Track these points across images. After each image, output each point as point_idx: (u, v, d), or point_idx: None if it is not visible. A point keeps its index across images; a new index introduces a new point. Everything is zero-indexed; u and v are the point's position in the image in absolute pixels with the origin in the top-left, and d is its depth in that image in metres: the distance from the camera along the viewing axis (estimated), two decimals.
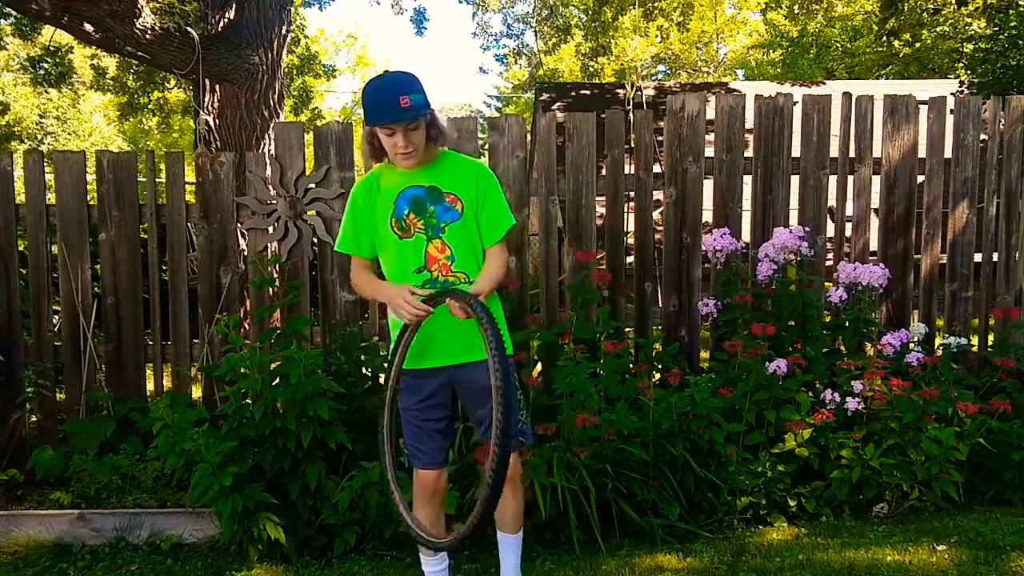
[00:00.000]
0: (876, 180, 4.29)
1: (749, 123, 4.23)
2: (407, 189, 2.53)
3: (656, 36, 23.27)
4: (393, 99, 2.35)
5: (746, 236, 4.19)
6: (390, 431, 2.62)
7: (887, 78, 18.01)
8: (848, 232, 4.38)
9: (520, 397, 2.70)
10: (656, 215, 4.37)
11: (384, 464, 2.62)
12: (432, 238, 2.52)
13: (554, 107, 13.51)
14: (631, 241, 4.45)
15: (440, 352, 2.53)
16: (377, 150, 2.52)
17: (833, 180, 4.26)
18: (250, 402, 3.40)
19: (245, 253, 4.54)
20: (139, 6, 6.65)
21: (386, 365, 2.63)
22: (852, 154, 4.27)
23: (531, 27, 26.78)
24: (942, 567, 2.89)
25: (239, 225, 4.24)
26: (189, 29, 7.09)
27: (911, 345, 3.99)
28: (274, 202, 4.16)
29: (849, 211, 4.31)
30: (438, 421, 2.60)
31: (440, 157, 2.57)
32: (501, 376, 2.15)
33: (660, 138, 4.57)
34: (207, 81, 7.14)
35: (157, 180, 4.30)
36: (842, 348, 3.99)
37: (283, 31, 7.64)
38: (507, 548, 2.75)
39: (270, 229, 4.19)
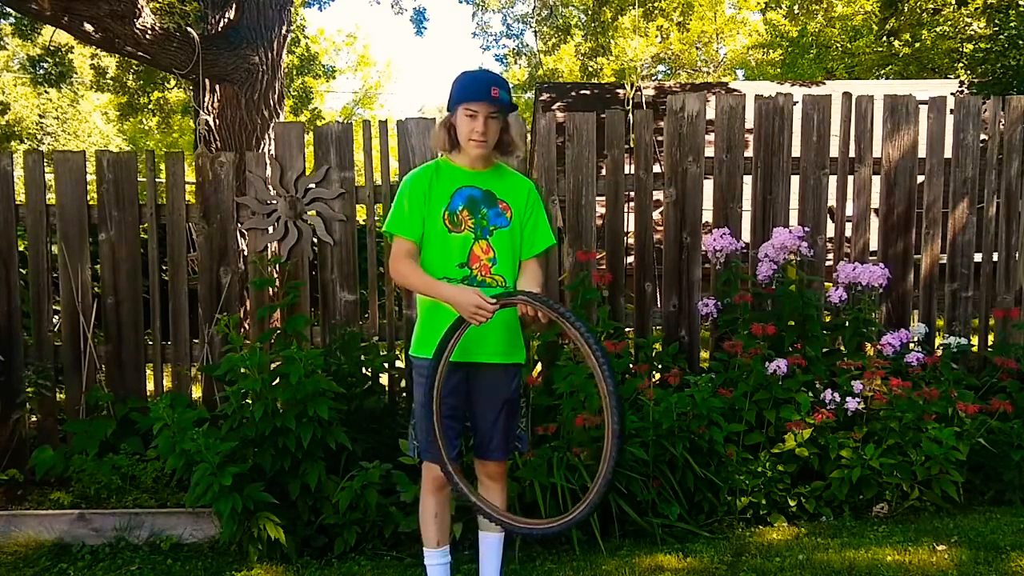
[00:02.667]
0: (876, 180, 4.29)
1: (749, 123, 4.23)
2: (465, 187, 2.61)
3: (656, 36, 23.26)
4: (486, 86, 2.52)
5: (746, 236, 4.19)
6: (440, 424, 2.55)
7: (887, 78, 18.00)
8: (848, 232, 4.38)
9: (523, 404, 2.71)
10: (656, 215, 4.37)
11: (443, 459, 2.52)
12: (479, 238, 2.59)
13: (554, 107, 13.51)
14: (631, 241, 4.45)
15: (464, 348, 2.55)
16: (451, 139, 2.60)
17: (833, 180, 4.26)
18: (250, 402, 3.41)
19: (245, 253, 4.53)
20: (139, 6, 6.64)
21: (431, 358, 2.55)
22: (852, 154, 4.27)
23: (531, 27, 26.74)
24: (942, 567, 2.89)
25: (239, 225, 4.24)
26: (189, 29, 7.08)
27: (911, 345, 3.99)
28: (274, 202, 4.16)
29: (849, 211, 4.31)
30: (455, 419, 2.61)
31: (498, 167, 2.70)
32: (611, 382, 2.35)
33: (660, 138, 4.57)
34: (207, 81, 7.13)
35: (157, 180, 4.30)
36: (842, 348, 3.99)
37: (283, 31, 7.63)
38: (490, 548, 2.75)
39: (270, 229, 4.19)
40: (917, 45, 17.13)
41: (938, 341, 4.22)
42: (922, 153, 4.27)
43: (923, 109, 4.28)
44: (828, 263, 4.39)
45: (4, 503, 3.85)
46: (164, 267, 4.39)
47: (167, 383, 4.48)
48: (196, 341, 4.26)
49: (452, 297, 2.46)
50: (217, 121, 7.26)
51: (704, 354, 4.55)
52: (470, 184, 2.61)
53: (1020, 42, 10.82)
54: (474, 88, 2.52)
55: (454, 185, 2.60)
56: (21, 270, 4.37)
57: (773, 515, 3.47)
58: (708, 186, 4.26)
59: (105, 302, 4.22)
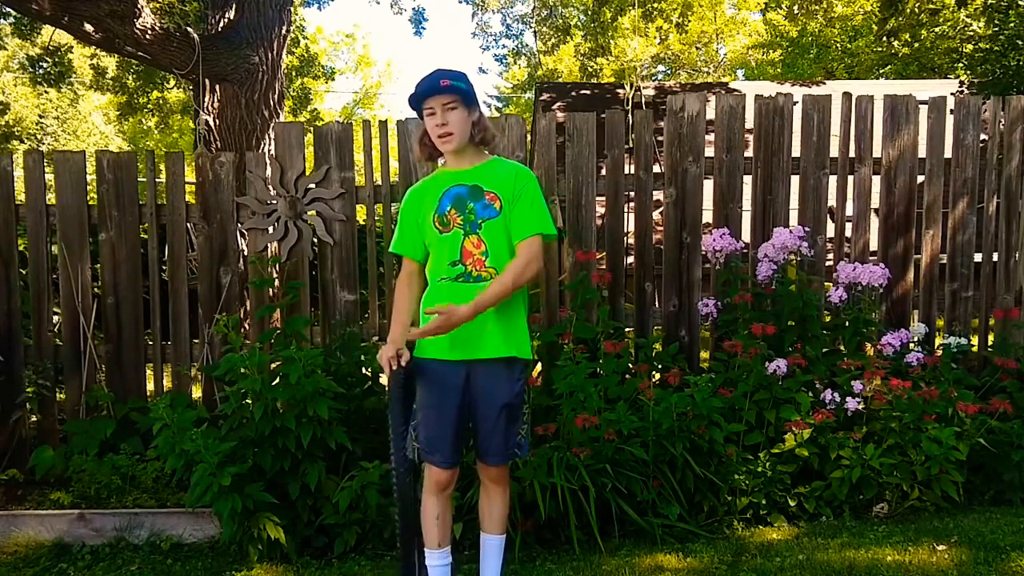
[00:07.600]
0: (876, 180, 4.29)
1: (749, 123, 4.23)
2: (452, 188, 2.63)
3: (655, 37, 23.28)
4: (434, 79, 2.55)
5: (746, 236, 4.19)
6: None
7: (887, 78, 18.01)
8: (848, 232, 4.38)
9: (526, 410, 2.71)
10: (656, 215, 4.37)
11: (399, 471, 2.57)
12: (469, 233, 2.58)
13: (554, 107, 13.52)
14: (631, 241, 4.45)
15: (462, 345, 2.56)
16: (428, 147, 2.65)
17: (833, 180, 4.26)
18: (250, 402, 3.41)
19: (245, 253, 4.53)
20: (139, 6, 6.64)
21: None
22: (852, 154, 4.27)
23: (530, 27, 26.76)
24: (942, 567, 2.89)
25: (239, 225, 4.24)
26: (189, 29, 7.08)
27: (911, 345, 3.99)
28: (274, 202, 4.16)
29: (849, 211, 4.31)
30: (457, 421, 2.60)
31: (488, 161, 2.68)
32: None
33: (660, 138, 4.57)
34: (207, 81, 7.13)
35: (157, 180, 4.30)
36: (842, 348, 3.99)
37: (283, 31, 7.63)
38: (491, 549, 2.75)
39: (270, 229, 4.19)
40: (917, 45, 17.13)
41: (938, 341, 4.22)
42: (922, 153, 4.27)
43: (923, 109, 4.28)
44: (828, 263, 4.39)
45: (4, 503, 3.85)
46: (164, 267, 4.39)
47: (167, 383, 4.47)
48: (196, 341, 4.26)
49: (388, 339, 2.61)
50: (217, 121, 7.26)
51: (704, 354, 4.55)
52: (456, 183, 2.63)
53: (1020, 42, 10.83)
54: (424, 87, 2.56)
55: (443, 188, 2.63)
56: (21, 270, 4.37)
57: (773, 515, 3.47)
58: (708, 186, 4.26)
59: (105, 302, 4.22)
